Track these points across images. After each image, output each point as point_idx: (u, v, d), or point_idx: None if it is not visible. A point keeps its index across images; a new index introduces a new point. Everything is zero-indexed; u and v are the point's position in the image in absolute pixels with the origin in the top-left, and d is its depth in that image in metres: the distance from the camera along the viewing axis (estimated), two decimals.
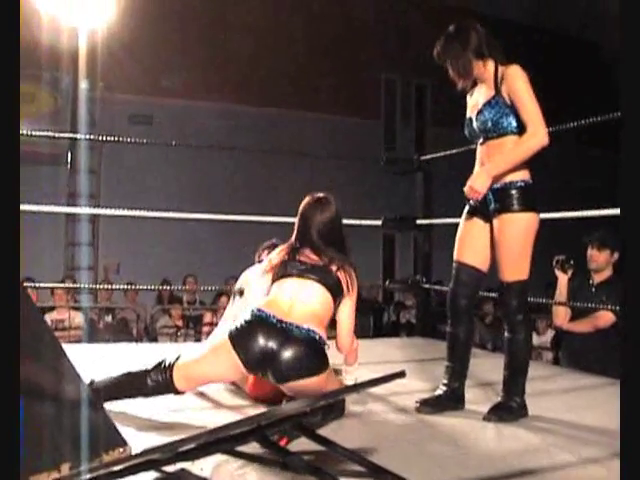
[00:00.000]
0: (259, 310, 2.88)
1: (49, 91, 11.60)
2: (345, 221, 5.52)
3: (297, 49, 13.41)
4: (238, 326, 2.86)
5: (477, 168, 3.29)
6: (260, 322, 2.83)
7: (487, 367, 4.06)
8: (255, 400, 3.23)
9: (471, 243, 3.30)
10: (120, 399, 2.94)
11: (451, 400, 3.28)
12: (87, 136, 10.36)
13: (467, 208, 3.33)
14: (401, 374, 1.96)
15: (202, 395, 3.37)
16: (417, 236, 6.00)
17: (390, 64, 14.53)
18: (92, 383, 2.92)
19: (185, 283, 9.52)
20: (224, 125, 12.53)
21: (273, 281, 3.08)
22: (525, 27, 14.48)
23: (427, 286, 5.73)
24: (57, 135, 8.94)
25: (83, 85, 11.32)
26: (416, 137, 15.26)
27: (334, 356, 3.27)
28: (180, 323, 8.98)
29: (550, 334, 7.82)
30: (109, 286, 9.45)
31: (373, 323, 10.07)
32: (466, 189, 3.14)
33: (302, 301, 2.94)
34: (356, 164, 11.81)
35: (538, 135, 3.04)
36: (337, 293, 3.04)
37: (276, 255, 3.17)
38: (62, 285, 8.40)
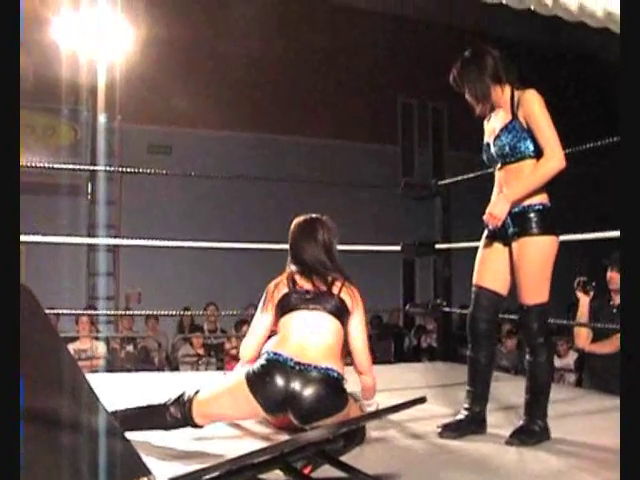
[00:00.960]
0: (275, 353, 2.84)
1: (69, 124, 11.76)
2: (365, 247, 5.61)
3: (313, 76, 13.51)
4: (255, 370, 2.83)
5: (495, 193, 3.31)
6: (277, 365, 2.80)
7: (509, 390, 4.05)
8: (278, 428, 3.21)
9: (490, 267, 3.31)
10: (139, 430, 2.93)
11: (473, 424, 3.27)
12: (106, 167, 10.46)
13: (486, 232, 3.34)
14: (422, 400, 1.97)
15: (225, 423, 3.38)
16: (436, 260, 5.99)
17: (406, 88, 14.60)
18: (115, 413, 2.94)
19: (206, 311, 9.57)
20: (243, 154, 12.62)
21: (280, 315, 3.04)
22: (542, 46, 14.50)
23: (447, 310, 5.72)
24: (77, 167, 9.05)
25: (102, 117, 11.46)
26: (434, 161, 15.29)
27: (354, 381, 3.29)
28: (201, 352, 9.00)
29: (572, 356, 7.77)
30: (129, 312, 9.49)
31: (394, 348, 10.05)
32: (485, 216, 3.14)
33: (315, 337, 2.91)
34: (375, 191, 11.84)
35: (555, 159, 3.05)
36: (344, 317, 3.02)
37: (274, 287, 3.11)
38: (81, 312, 8.45)
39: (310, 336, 2.91)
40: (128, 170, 5.64)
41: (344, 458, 2.48)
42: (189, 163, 11.35)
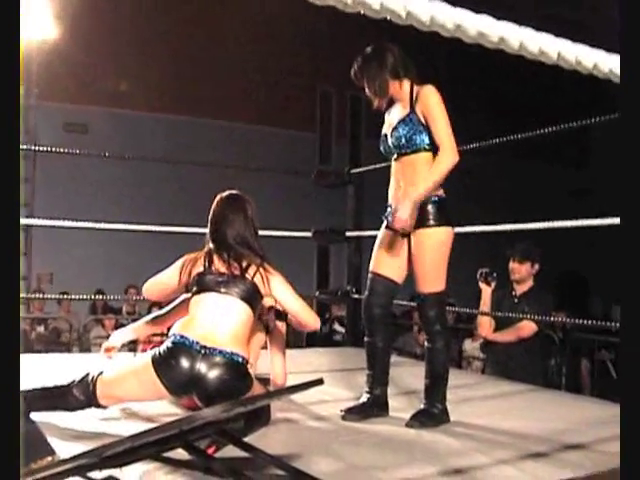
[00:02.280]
0: (181, 336, 2.86)
1: None
2: (277, 233, 5.66)
3: (235, 60, 13.46)
4: (161, 352, 2.84)
5: (392, 183, 3.41)
6: (183, 349, 2.82)
7: (411, 375, 4.17)
8: (187, 408, 3.22)
9: (387, 255, 3.41)
10: (43, 411, 2.94)
11: (375, 407, 3.37)
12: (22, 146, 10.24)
13: (385, 222, 3.41)
14: (319, 381, 2.04)
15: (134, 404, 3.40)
16: (348, 248, 6.09)
17: (326, 76, 14.68)
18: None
19: (127, 294, 9.47)
20: (159, 135, 12.52)
21: (192, 294, 3.07)
22: None
23: (357, 296, 5.83)
24: None
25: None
26: (350, 150, 15.41)
27: (261, 365, 3.37)
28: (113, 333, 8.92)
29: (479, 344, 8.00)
30: (41, 295, 9.33)
31: (306, 334, 10.12)
32: (394, 221, 3.21)
33: (223, 322, 2.93)
34: (292, 178, 11.91)
35: (451, 153, 3.19)
36: (255, 301, 3.05)
37: (191, 262, 3.14)
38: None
39: (218, 320, 2.93)
40: (41, 149, 5.55)
41: (248, 439, 2.54)
42: (105, 143, 11.19)
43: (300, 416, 3.33)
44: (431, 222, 3.24)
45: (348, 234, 5.87)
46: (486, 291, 4.91)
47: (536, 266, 4.91)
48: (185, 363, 2.79)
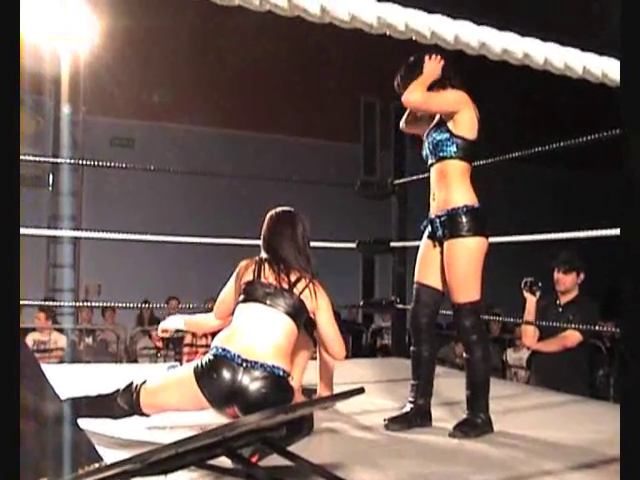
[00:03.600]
0: (223, 349, 2.88)
1: (31, 114, 11.69)
2: (321, 244, 5.67)
3: (279, 72, 13.55)
4: (203, 364, 2.87)
5: (431, 193, 3.44)
6: (224, 361, 2.85)
7: (454, 385, 4.16)
8: (233, 417, 3.17)
9: (430, 265, 3.44)
10: (90, 418, 2.98)
11: (417, 417, 3.37)
12: (68, 159, 10.43)
13: (426, 232, 3.48)
14: (360, 390, 2.05)
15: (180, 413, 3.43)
16: (393, 258, 6.09)
17: (370, 87, 14.68)
18: (67, 401, 3.00)
19: (168, 305, 9.57)
20: (205, 149, 12.64)
21: (238, 302, 3.10)
22: None
23: (401, 307, 5.82)
24: (38, 159, 9.01)
25: (65, 109, 11.41)
26: (394, 161, 15.34)
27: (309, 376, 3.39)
28: (160, 344, 9.03)
29: (526, 354, 7.94)
30: (87, 304, 9.48)
31: (352, 344, 10.14)
32: None
33: (265, 335, 2.94)
34: (337, 190, 11.94)
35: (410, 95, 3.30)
36: (300, 317, 3.06)
37: (244, 268, 3.17)
38: (37, 303, 8.42)
39: (260, 333, 2.95)
40: (89, 163, 5.66)
41: (291, 448, 2.56)
42: (151, 157, 11.35)
43: (344, 426, 3.34)
44: (463, 232, 3.26)
45: (392, 244, 5.87)
46: (531, 301, 4.87)
47: (581, 276, 4.86)
48: (226, 376, 2.82)
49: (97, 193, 12.08)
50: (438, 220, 3.35)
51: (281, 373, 2.88)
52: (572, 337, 4.70)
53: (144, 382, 2.99)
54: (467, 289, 3.28)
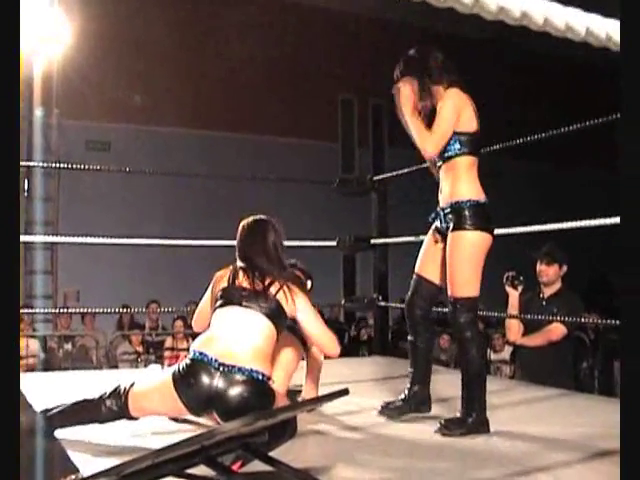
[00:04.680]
0: (200, 353, 2.83)
1: None
2: (302, 243, 5.63)
3: (254, 73, 13.49)
4: (180, 370, 2.82)
5: (440, 183, 3.42)
6: (201, 366, 2.80)
7: (448, 382, 4.11)
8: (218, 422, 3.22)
9: (431, 258, 3.43)
10: (74, 425, 2.93)
11: (412, 403, 3.43)
12: (42, 163, 10.30)
13: (433, 225, 3.44)
14: (344, 392, 2.00)
15: (162, 419, 3.36)
16: (374, 255, 6.04)
17: (346, 84, 14.65)
18: (46, 411, 2.93)
19: (148, 308, 9.49)
20: (181, 150, 12.55)
21: (215, 308, 3.05)
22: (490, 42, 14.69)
23: (383, 304, 5.78)
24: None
25: (38, 112, 11.28)
26: (373, 158, 15.38)
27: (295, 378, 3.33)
28: (140, 349, 8.94)
29: (508, 350, 7.93)
30: (65, 310, 9.36)
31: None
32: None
33: (243, 337, 2.90)
34: (316, 187, 11.90)
35: (426, 145, 3.26)
36: (279, 319, 3.01)
37: (219, 278, 3.15)
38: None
39: (238, 336, 2.90)
40: (64, 166, 5.57)
41: (275, 452, 2.50)
42: (127, 159, 11.24)
43: (328, 427, 3.28)
44: (465, 225, 3.22)
45: (373, 241, 5.81)
46: (513, 295, 4.84)
47: (564, 268, 4.84)
48: (204, 381, 2.76)
49: (73, 198, 11.95)
50: (442, 212, 3.33)
51: (260, 377, 2.81)
52: (557, 330, 4.67)
53: (132, 385, 2.94)
54: (465, 284, 3.23)
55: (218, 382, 2.76)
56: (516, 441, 3.03)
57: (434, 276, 3.42)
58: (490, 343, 8.50)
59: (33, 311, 9.17)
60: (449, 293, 3.28)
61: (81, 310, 8.36)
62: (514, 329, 4.92)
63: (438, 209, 3.37)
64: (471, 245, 3.22)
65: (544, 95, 15.12)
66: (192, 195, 12.40)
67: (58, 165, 5.78)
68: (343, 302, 6.34)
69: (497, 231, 3.92)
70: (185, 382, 2.78)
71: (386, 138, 15.37)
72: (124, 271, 11.86)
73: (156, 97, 12.76)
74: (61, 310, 9.27)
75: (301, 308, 3.06)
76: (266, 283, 3.03)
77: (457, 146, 3.27)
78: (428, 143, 3.24)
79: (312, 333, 3.11)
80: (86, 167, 5.34)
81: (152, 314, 9.65)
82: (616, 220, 3.56)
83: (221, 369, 2.78)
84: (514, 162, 12.12)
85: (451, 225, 3.26)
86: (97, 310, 5.51)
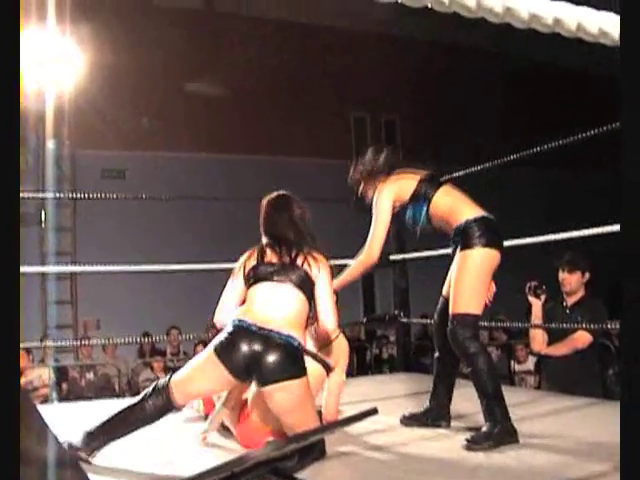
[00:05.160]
0: (239, 320, 2.95)
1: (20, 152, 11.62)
2: None
3: (265, 94, 13.52)
4: (222, 338, 2.94)
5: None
6: (241, 331, 2.91)
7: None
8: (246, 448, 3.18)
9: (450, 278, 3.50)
10: (121, 436, 2.97)
11: (430, 417, 3.52)
12: (55, 194, 10.34)
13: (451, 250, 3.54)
14: (373, 411, 1.97)
15: (190, 445, 3.34)
16: (393, 272, 5.99)
17: (358, 102, 14.66)
18: (89, 433, 2.95)
19: (168, 335, 9.48)
20: (197, 175, 12.57)
21: (248, 286, 3.15)
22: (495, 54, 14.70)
23: (405, 320, 5.73)
24: (25, 195, 8.91)
25: (50, 144, 11.35)
26: None
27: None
28: (162, 375, 8.91)
29: (532, 360, 7.85)
30: (86, 342, 9.37)
31: (357, 361, 10.03)
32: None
33: (278, 307, 3.01)
34: (331, 205, 11.90)
35: (366, 253, 3.58)
36: (307, 288, 3.10)
37: (246, 258, 3.24)
38: (35, 344, 8.33)
39: (274, 306, 3.01)
40: (79, 196, 5.58)
41: (303, 474, 2.47)
42: (143, 186, 11.26)
43: (355, 448, 3.23)
44: (471, 243, 3.30)
45: (392, 258, 5.77)
46: (537, 305, 4.79)
47: (586, 275, 4.78)
48: (245, 344, 2.88)
49: (90, 227, 11.98)
50: (452, 240, 3.45)
51: (296, 344, 2.93)
52: (583, 338, 4.61)
53: (171, 375, 3.04)
54: (470, 300, 3.27)
55: (258, 345, 2.87)
56: (548, 453, 2.98)
57: None
58: (513, 354, 8.43)
59: (54, 343, 9.16)
60: (450, 310, 3.32)
61: (102, 340, 8.32)
62: (538, 339, 4.87)
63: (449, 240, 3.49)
64: (476, 262, 3.28)
65: (547, 104, 15.06)
66: (210, 219, 12.40)
67: (74, 195, 5.78)
68: (365, 320, 6.28)
69: (514, 242, 3.93)
70: (228, 348, 2.90)
71: (400, 154, 15.33)
72: (143, 298, 11.84)
73: (170, 123, 12.81)
74: (82, 341, 9.26)
75: (321, 275, 3.14)
76: (293, 255, 3.14)
77: (421, 201, 3.50)
78: (366, 255, 3.57)
79: (321, 301, 3.15)
80: (102, 196, 5.31)
81: (173, 340, 9.64)
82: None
83: (260, 332, 2.89)
84: (526, 170, 12.04)
85: (460, 244, 3.33)
86: (118, 340, 5.47)
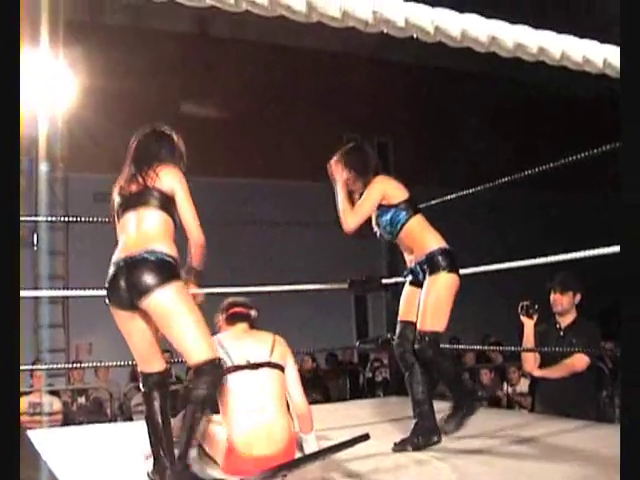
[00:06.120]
0: (112, 262, 3.19)
1: None
2: (313, 286, 5.60)
3: (262, 117, 13.55)
4: (107, 288, 3.21)
5: (403, 250, 4.01)
6: (115, 269, 3.14)
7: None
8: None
9: (412, 304, 3.85)
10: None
11: (419, 436, 3.64)
12: (49, 217, 10.33)
13: (409, 277, 3.94)
14: (365, 437, 1.95)
15: None
16: (385, 295, 5.99)
17: (350, 124, 14.68)
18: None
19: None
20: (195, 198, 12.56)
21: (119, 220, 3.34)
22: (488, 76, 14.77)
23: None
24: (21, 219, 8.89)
25: (43, 167, 11.35)
26: None
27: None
28: None
29: (525, 382, 7.83)
30: (78, 365, 9.32)
31: (350, 385, 9.99)
32: None
33: (137, 230, 3.19)
34: (324, 229, 11.92)
35: (346, 219, 3.89)
36: (167, 204, 3.25)
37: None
38: (29, 367, 8.25)
39: (134, 230, 3.22)
40: (71, 219, 5.57)
41: None
42: None
43: (347, 472, 3.18)
44: (441, 269, 3.67)
45: (384, 281, 5.76)
46: (529, 324, 4.81)
47: (578, 296, 4.79)
48: (120, 280, 3.10)
49: (83, 251, 11.94)
50: (419, 266, 3.79)
51: (159, 255, 3.06)
52: (581, 361, 4.61)
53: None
54: (436, 318, 3.64)
55: (127, 273, 3.08)
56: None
57: (415, 318, 3.78)
58: (507, 377, 8.41)
59: (45, 367, 9.10)
60: (418, 327, 3.68)
61: (94, 363, 8.28)
62: (530, 360, 4.88)
63: (411, 265, 3.86)
64: (446, 285, 3.67)
65: (540, 126, 15.14)
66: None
67: (67, 219, 5.78)
68: (358, 343, 6.29)
69: (507, 265, 4.07)
70: (112, 292, 3.19)
71: (393, 176, 15.35)
72: None
73: None
74: (74, 365, 9.19)
75: (178, 189, 3.31)
76: (144, 178, 3.27)
77: (403, 214, 3.78)
78: (349, 217, 3.85)
79: (184, 212, 3.30)
80: (94, 219, 5.32)
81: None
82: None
83: (127, 260, 3.10)
84: (519, 191, 12.08)
85: (428, 271, 3.70)
86: (110, 363, 5.45)
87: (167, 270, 3.04)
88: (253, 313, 3.76)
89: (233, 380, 3.33)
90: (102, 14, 13.06)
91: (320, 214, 12.07)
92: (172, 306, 2.97)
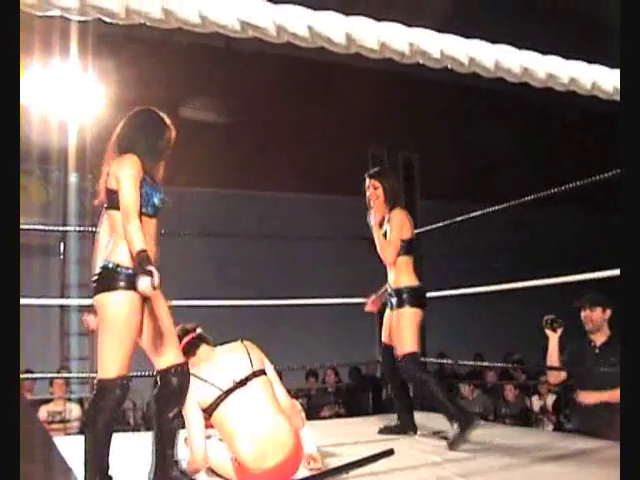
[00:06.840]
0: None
1: (40, 184, 11.73)
2: (336, 300, 5.62)
3: (281, 131, 13.58)
4: None
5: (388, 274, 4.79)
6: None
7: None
8: None
9: (390, 329, 4.72)
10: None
11: (402, 426, 4.76)
12: (76, 227, 10.43)
13: (389, 303, 4.72)
14: (389, 452, 1.94)
15: None
16: None
17: (376, 138, 14.67)
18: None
19: None
20: (218, 211, 12.61)
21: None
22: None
23: (422, 359, 5.68)
24: (46, 228, 9.00)
25: (73, 177, 11.46)
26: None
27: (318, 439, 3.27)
28: None
29: (551, 397, 7.77)
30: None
31: (373, 399, 9.94)
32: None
33: (102, 240, 3.41)
34: (351, 243, 11.91)
35: (385, 254, 4.66)
36: (115, 201, 3.31)
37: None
38: (53, 375, 8.31)
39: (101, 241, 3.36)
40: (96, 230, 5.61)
41: None
42: (163, 221, 11.28)
43: None
44: (404, 304, 4.52)
45: None
46: (553, 338, 4.82)
47: (608, 311, 4.73)
48: None
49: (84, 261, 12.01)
50: (390, 297, 4.67)
51: (110, 266, 3.20)
52: None
53: None
54: (406, 344, 4.44)
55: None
56: None
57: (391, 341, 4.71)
58: (536, 390, 8.37)
59: (69, 375, 9.15)
60: (397, 352, 4.50)
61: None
62: (554, 372, 4.86)
63: (389, 293, 4.70)
64: (410, 317, 4.51)
65: (569, 143, 15.08)
66: (231, 255, 12.36)
67: (94, 229, 5.80)
68: (381, 358, 6.27)
69: (532, 283, 4.11)
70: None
71: (418, 192, 15.33)
72: None
73: (188, 159, 12.86)
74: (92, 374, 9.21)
75: (120, 176, 3.33)
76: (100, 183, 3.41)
77: (402, 252, 4.60)
78: (387, 253, 4.58)
79: (124, 194, 3.31)
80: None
81: None
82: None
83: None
84: (548, 209, 12.02)
85: (395, 304, 4.58)
86: (134, 373, 5.47)
87: (109, 281, 3.17)
88: (200, 330, 3.77)
89: (227, 406, 3.33)
90: (131, 26, 13.15)
91: (345, 228, 12.13)
92: (104, 316, 3.14)
